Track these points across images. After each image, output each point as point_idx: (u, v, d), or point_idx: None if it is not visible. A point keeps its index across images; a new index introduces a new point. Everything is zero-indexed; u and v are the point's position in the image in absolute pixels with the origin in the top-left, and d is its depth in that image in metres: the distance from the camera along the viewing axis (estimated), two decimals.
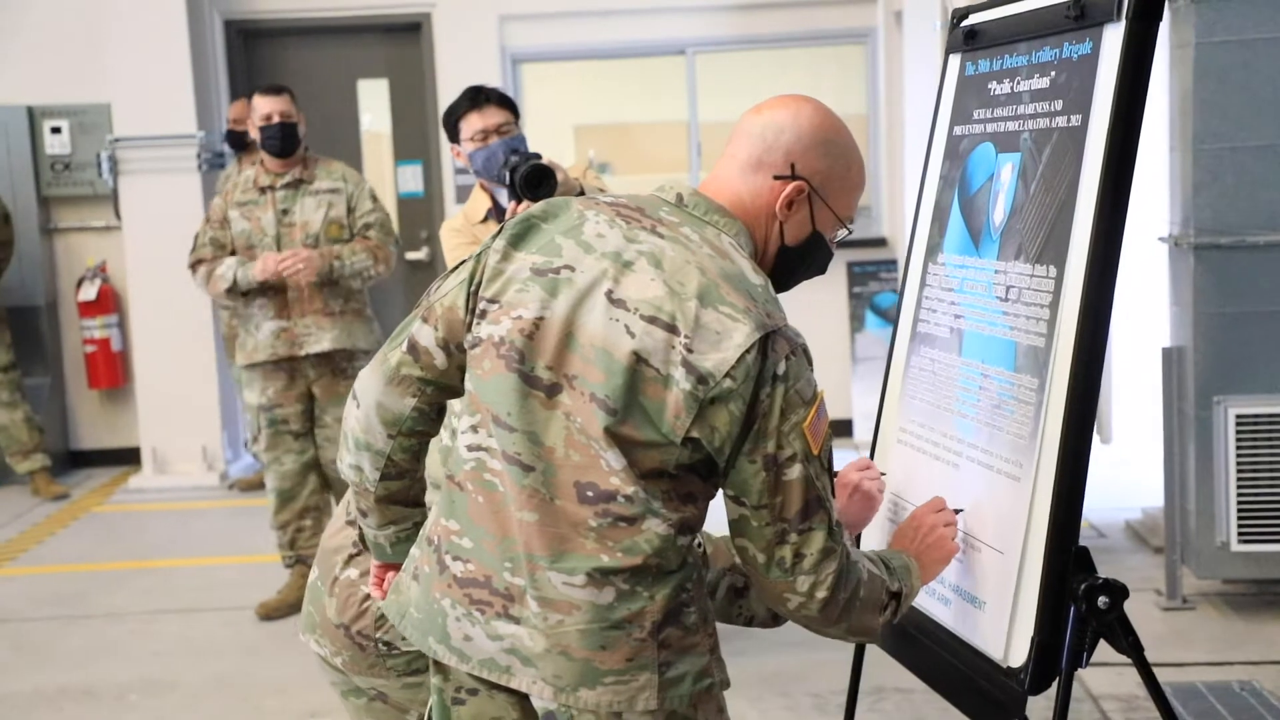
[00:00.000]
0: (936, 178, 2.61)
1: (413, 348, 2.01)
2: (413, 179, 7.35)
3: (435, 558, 2.01)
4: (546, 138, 7.44)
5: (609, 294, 1.88)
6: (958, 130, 2.55)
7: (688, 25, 7.24)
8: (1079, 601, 2.09)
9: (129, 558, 5.91)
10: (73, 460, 7.49)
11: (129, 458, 7.31)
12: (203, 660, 4.64)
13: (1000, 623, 2.21)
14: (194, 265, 5.03)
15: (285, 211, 5.01)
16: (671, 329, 1.84)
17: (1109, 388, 6.79)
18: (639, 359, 1.85)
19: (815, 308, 6.99)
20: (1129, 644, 2.12)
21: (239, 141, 6.37)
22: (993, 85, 2.44)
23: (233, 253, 5.02)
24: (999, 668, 2.20)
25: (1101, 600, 2.08)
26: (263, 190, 5.05)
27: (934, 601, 2.41)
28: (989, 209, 2.40)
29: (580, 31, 7.23)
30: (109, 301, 7.23)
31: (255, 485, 6.85)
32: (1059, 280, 2.16)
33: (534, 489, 1.90)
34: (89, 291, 7.20)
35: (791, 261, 2.04)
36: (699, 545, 2.32)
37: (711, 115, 7.29)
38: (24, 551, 6.06)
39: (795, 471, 1.86)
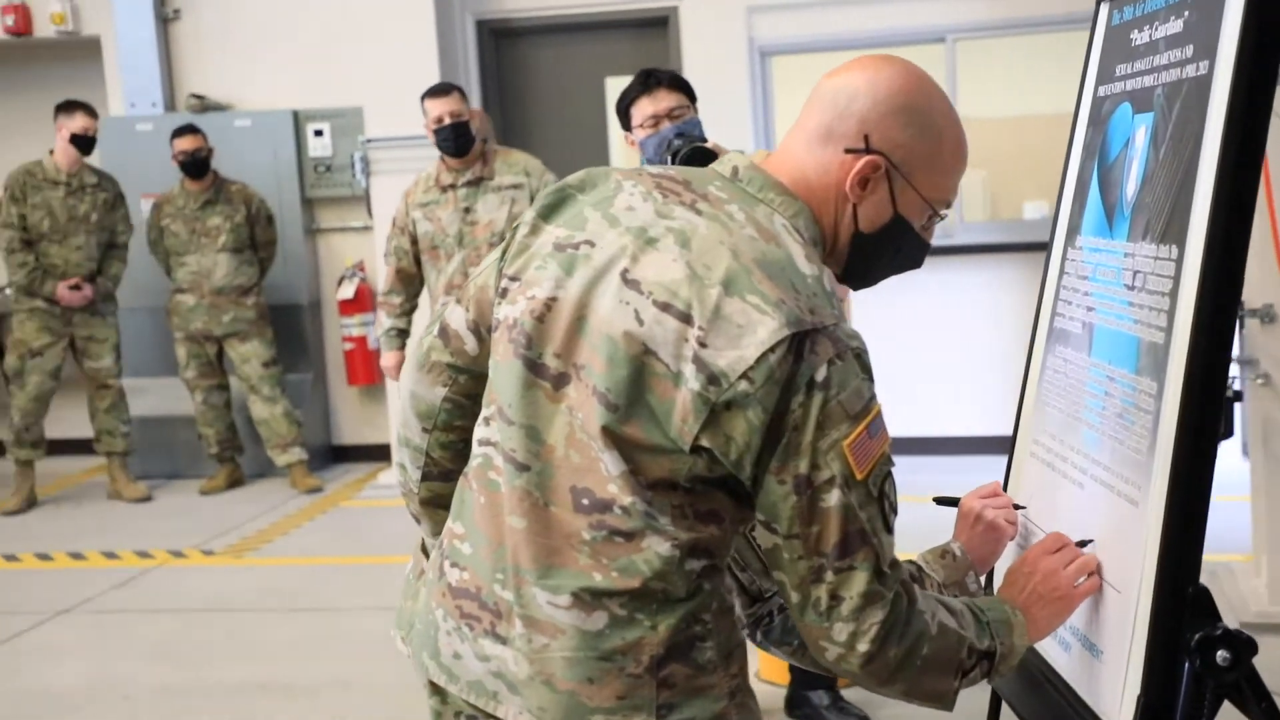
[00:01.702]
0: (1080, 149, 2.24)
1: (443, 331, 1.84)
2: None
3: (439, 562, 1.82)
4: None
5: (624, 273, 1.63)
6: (1101, 91, 2.18)
7: (948, 11, 6.83)
8: (1192, 656, 1.71)
9: (361, 553, 5.99)
10: (334, 455, 7.71)
11: (384, 454, 7.46)
12: (395, 660, 4.61)
13: (1116, 676, 1.85)
14: (381, 302, 5.34)
15: (468, 210, 4.98)
16: (685, 318, 1.58)
17: None
18: (646, 350, 1.59)
19: None
20: (1262, 710, 1.73)
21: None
22: (1134, 35, 2.06)
23: (417, 260, 5.07)
24: None
25: (1221, 655, 1.69)
26: (444, 189, 5.03)
27: (1054, 645, 2.06)
28: (1123, 181, 2.03)
29: (832, 21, 6.92)
30: (366, 300, 7.40)
31: None
32: (1179, 262, 1.78)
33: (526, 491, 1.67)
34: (347, 290, 7.39)
35: (869, 251, 1.75)
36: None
37: (974, 109, 6.82)
38: (267, 543, 6.24)
39: (833, 498, 1.56)
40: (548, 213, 1.76)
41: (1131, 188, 1.99)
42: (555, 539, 1.65)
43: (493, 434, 1.74)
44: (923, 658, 1.64)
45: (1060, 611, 1.86)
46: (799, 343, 1.54)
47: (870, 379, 1.60)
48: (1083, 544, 1.93)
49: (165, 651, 4.85)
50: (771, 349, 1.53)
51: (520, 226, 1.78)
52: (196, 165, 6.87)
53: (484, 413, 1.77)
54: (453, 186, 5.03)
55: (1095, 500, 1.97)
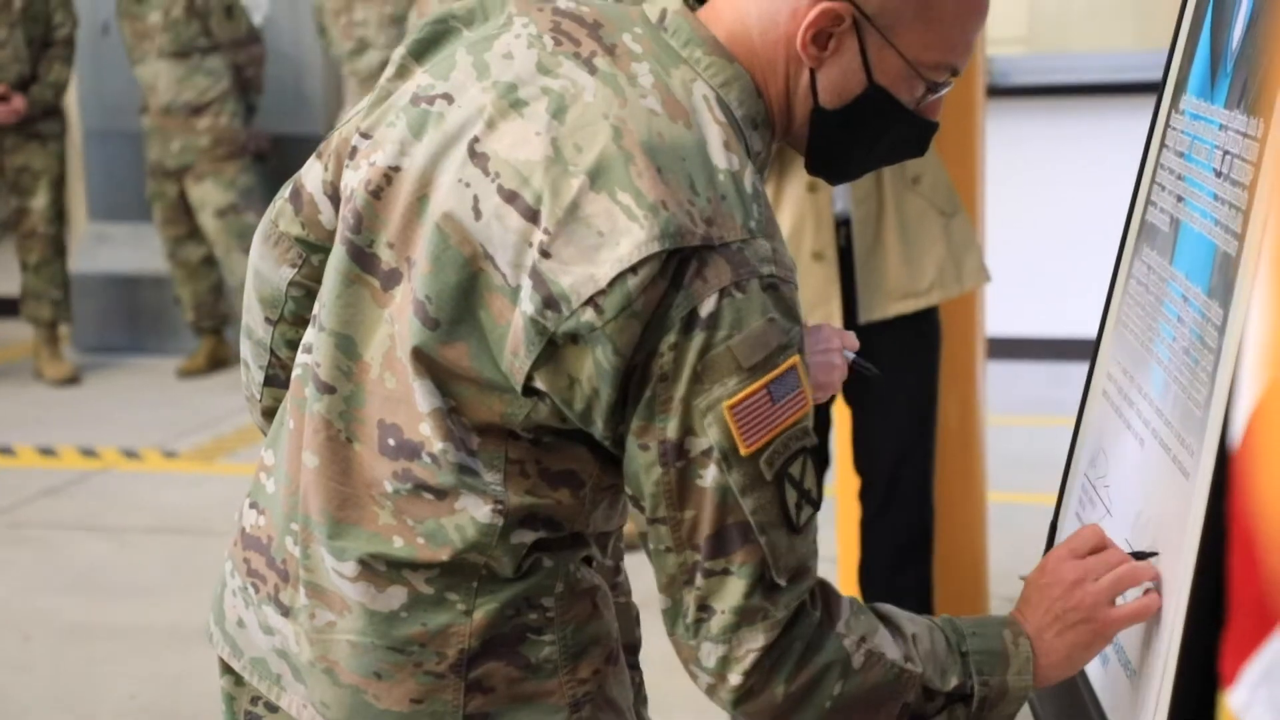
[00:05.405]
0: None
1: (296, 194, 1.84)
2: None
3: (244, 500, 1.86)
4: None
5: (473, 143, 1.62)
6: None
7: None
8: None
9: None
10: None
11: None
12: None
13: (1146, 707, 1.78)
14: None
15: None
16: (532, 215, 1.56)
17: None
18: (482, 253, 1.58)
19: None
20: None
21: None
22: None
23: None
24: None
25: None
26: None
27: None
28: (1233, 18, 1.92)
29: None
30: None
31: None
32: (1262, 140, 1.68)
33: (325, 420, 1.68)
34: None
35: (837, 135, 1.69)
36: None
37: None
38: (247, 445, 6.37)
39: (709, 476, 1.54)
40: (421, 49, 1.75)
41: (1239, 29, 1.88)
42: (354, 486, 1.67)
43: (313, 339, 1.75)
44: (834, 698, 1.60)
45: (1086, 640, 1.76)
46: (679, 263, 1.51)
47: (790, 319, 1.55)
48: (1141, 556, 1.78)
49: (90, 582, 5.01)
50: (633, 269, 1.50)
51: (389, 65, 1.77)
52: None
53: (315, 308, 1.77)
54: None
55: (1151, 466, 1.89)
